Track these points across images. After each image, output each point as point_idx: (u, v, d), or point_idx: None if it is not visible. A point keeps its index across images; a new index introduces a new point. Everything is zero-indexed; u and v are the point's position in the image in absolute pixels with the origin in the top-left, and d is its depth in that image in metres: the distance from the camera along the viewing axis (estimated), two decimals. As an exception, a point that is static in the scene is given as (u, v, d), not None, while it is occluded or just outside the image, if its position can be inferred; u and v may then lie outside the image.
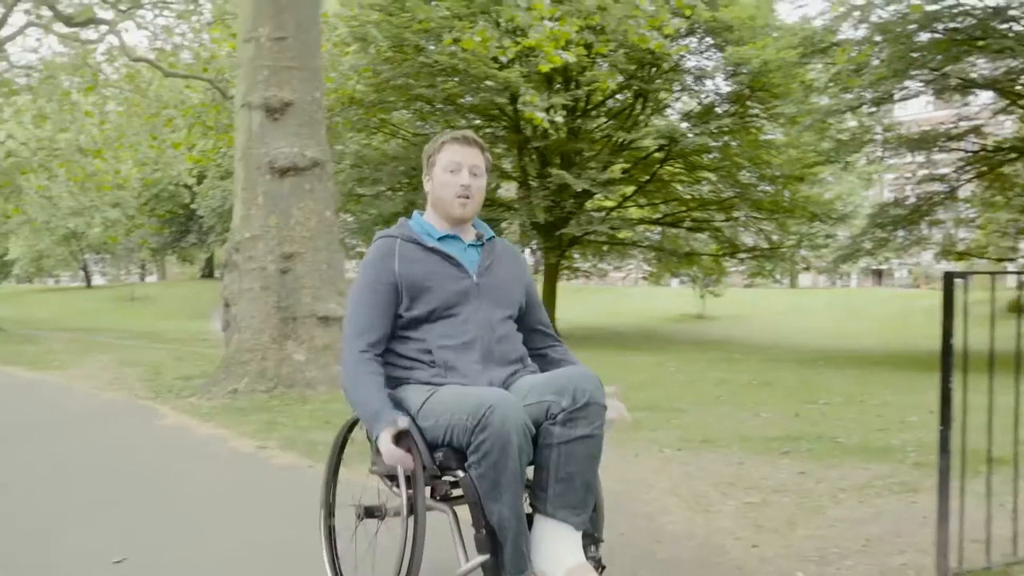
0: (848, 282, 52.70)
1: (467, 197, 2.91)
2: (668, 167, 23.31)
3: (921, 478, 4.75)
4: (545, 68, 13.90)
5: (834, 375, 12.34)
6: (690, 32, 21.42)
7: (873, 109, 18.86)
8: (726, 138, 21.40)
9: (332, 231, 8.76)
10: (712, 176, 23.33)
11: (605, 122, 22.71)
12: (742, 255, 23.50)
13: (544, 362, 3.07)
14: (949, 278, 3.07)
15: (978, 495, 3.34)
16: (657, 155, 22.12)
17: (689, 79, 22.39)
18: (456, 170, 2.92)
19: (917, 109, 27.50)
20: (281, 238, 8.39)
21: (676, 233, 24.70)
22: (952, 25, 16.09)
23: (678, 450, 5.69)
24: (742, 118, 21.56)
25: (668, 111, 23.71)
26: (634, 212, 25.22)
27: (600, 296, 42.70)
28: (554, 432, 2.58)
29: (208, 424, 6.99)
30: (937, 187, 18.47)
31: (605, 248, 26.51)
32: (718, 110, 22.00)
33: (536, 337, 3.11)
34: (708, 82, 22.64)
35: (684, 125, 22.01)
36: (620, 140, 21.14)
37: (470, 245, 2.98)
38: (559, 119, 20.93)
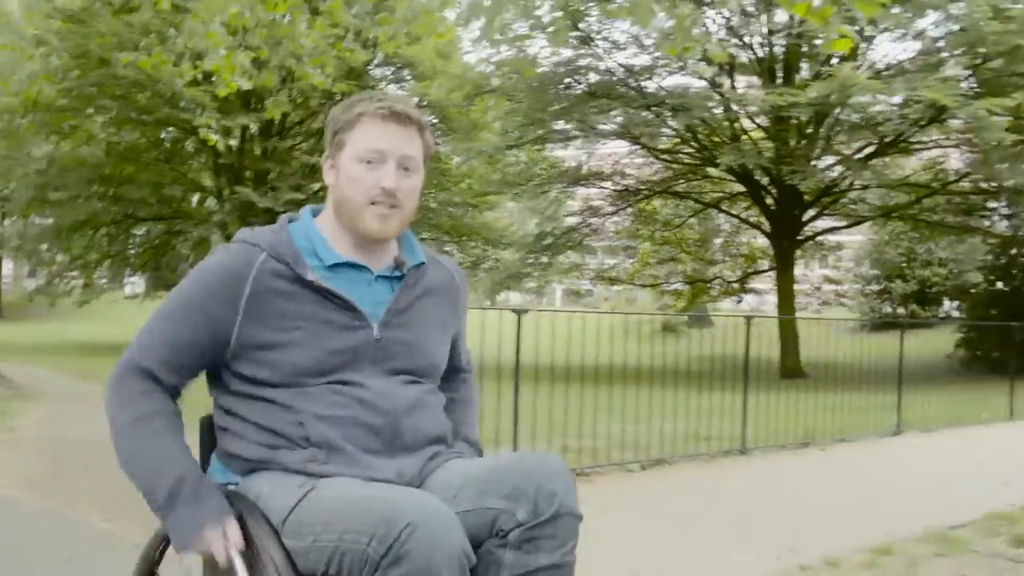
0: (553, 301, 56.65)
1: (391, 207, 1.85)
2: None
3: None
4: (223, 92, 14.79)
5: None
6: (386, 63, 22.99)
7: (539, 147, 21.21)
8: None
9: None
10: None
11: (298, 143, 23.77)
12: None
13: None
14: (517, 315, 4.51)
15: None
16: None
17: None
18: (376, 161, 1.85)
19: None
20: None
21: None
22: (590, 81, 18.60)
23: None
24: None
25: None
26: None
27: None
28: (504, 559, 1.69)
29: None
30: (576, 220, 21.04)
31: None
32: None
33: (448, 381, 2.09)
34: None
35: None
36: (309, 162, 22.29)
37: (380, 276, 1.91)
38: (233, 141, 21.75)
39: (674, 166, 20.93)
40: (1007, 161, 15.23)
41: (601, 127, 18.74)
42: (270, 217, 21.88)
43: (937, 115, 15.06)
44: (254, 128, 22.09)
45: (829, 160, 18.53)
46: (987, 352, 20.63)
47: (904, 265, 26.91)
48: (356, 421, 1.79)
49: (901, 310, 27.30)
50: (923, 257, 26.61)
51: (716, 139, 19.04)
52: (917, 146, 18.91)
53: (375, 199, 1.85)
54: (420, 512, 1.55)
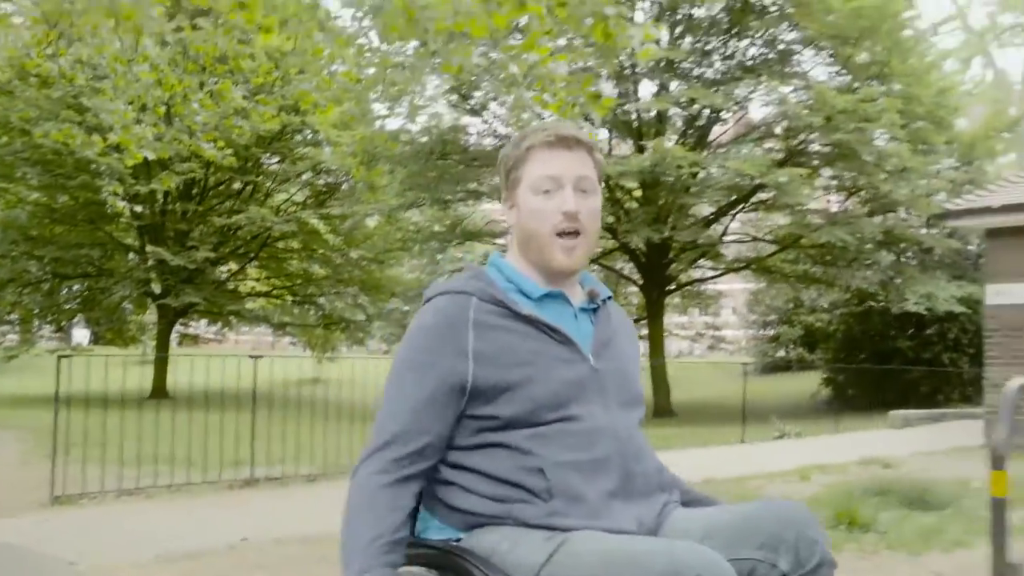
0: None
1: (575, 233, 1.89)
2: (280, 244, 26.42)
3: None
4: (130, 162, 16.53)
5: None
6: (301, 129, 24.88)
7: (441, 207, 23.08)
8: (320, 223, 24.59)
9: None
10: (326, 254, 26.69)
11: (216, 204, 25.47)
12: (331, 325, 26.86)
13: None
14: (59, 359, 6.15)
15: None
16: (264, 235, 25.12)
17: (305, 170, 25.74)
18: (554, 189, 1.89)
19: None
20: None
21: (286, 304, 27.70)
22: (470, 146, 20.53)
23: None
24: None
25: (282, 196, 26.92)
26: (252, 285, 28.05)
27: (228, 361, 45.23)
28: None
29: None
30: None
31: (231, 317, 28.96)
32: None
33: None
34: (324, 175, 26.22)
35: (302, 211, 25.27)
36: (221, 224, 23.99)
37: (581, 309, 1.96)
38: (139, 206, 23.35)
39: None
40: (824, 221, 17.26)
41: (479, 189, 20.67)
42: (187, 274, 23.54)
43: (754, 184, 17.07)
44: (175, 191, 23.86)
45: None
46: (844, 390, 22.62)
47: (791, 311, 28.90)
48: (596, 464, 1.78)
49: (792, 353, 29.31)
50: (808, 304, 28.58)
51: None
52: (769, 205, 20.91)
53: (560, 227, 1.87)
54: (702, 563, 1.54)
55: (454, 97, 21.03)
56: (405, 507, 1.78)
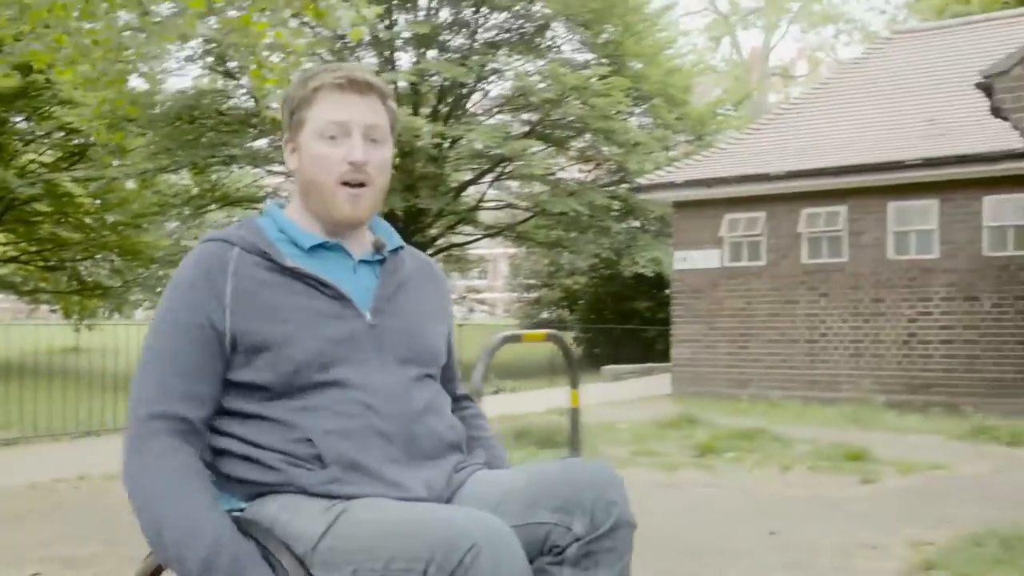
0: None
1: (360, 185, 1.79)
2: (28, 208, 25.22)
3: None
4: None
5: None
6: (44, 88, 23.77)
7: (197, 171, 22.75)
8: (74, 186, 23.80)
9: None
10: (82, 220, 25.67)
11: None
12: (87, 292, 26.05)
13: None
14: None
15: None
16: (8, 198, 23.92)
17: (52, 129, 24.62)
18: (340, 136, 1.78)
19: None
20: None
21: (37, 269, 26.54)
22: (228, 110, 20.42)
23: None
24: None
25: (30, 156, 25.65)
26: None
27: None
28: None
29: None
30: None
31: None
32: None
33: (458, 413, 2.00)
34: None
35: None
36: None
37: (363, 261, 1.85)
38: None
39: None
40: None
41: (234, 153, 20.68)
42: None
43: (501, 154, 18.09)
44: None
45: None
46: (592, 349, 24.28)
47: (551, 275, 30.35)
48: (369, 429, 1.68)
49: (553, 315, 30.85)
50: (567, 268, 30.10)
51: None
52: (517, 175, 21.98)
53: (345, 177, 1.75)
54: (482, 532, 1.45)
55: (210, 59, 20.81)
56: (200, 465, 1.68)
